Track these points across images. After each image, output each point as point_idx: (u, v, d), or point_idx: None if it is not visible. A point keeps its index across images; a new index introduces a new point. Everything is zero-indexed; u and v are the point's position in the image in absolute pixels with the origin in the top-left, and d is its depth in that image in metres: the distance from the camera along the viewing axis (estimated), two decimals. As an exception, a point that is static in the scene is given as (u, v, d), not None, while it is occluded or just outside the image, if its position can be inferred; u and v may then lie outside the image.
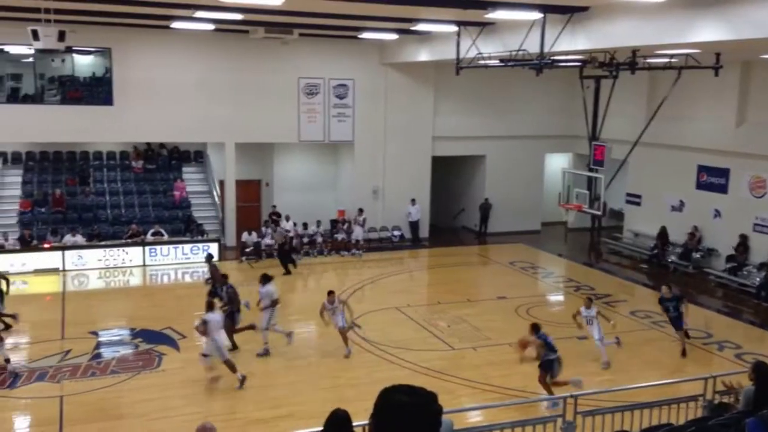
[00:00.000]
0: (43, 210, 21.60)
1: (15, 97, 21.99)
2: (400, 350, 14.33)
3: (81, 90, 23.26)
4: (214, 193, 23.90)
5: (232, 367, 12.49)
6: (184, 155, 24.98)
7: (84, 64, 24.17)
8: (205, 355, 12.78)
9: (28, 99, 22.26)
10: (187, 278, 20.36)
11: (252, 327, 14.57)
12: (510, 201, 26.33)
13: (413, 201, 24.84)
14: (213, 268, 16.69)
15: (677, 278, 20.45)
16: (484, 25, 17.15)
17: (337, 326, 14.03)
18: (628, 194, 24.60)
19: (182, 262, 21.01)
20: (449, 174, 27.04)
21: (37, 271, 19.49)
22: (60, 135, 21.63)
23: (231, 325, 14.08)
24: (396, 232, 24.76)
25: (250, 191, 24.84)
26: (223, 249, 21.91)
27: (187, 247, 21.29)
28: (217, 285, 15.43)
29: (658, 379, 10.93)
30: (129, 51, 21.60)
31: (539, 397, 11.51)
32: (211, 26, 19.97)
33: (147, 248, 20.90)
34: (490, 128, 25.72)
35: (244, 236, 22.34)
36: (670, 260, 21.86)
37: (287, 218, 22.71)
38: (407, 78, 24.59)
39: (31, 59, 22.43)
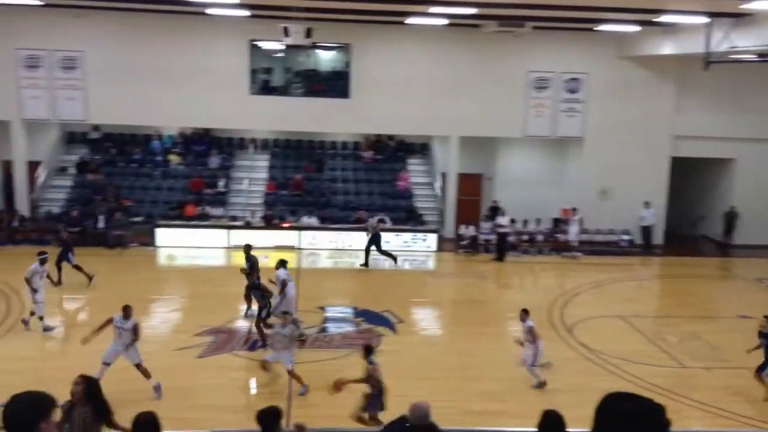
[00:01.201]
0: (284, 192, 23.62)
1: (266, 89, 24.20)
2: (623, 362, 13.49)
3: (322, 83, 24.97)
4: (436, 185, 24.41)
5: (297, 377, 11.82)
6: (410, 147, 25.82)
7: (325, 59, 25.91)
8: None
9: (276, 91, 24.39)
10: (407, 265, 21.02)
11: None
12: (763, 210, 23.56)
13: (647, 204, 23.23)
14: (254, 260, 15.33)
15: None
16: (738, 17, 15.50)
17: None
18: None
19: (402, 249, 21.72)
20: (689, 177, 24.87)
21: (277, 248, 21.35)
22: (302, 125, 23.46)
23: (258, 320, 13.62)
24: (625, 237, 23.32)
25: (471, 184, 24.98)
26: (441, 240, 22.30)
27: (408, 235, 21.99)
28: (256, 277, 14.66)
29: None
30: (367, 47, 22.74)
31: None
32: (444, 21, 20.37)
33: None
34: (742, 129, 23.23)
35: (462, 229, 22.55)
36: None
37: (503, 213, 22.45)
38: (646, 72, 23.03)
39: (280, 54, 24.56)
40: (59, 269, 16.93)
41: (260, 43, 23.04)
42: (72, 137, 24.85)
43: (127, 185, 23.22)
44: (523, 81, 23.15)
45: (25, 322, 14.01)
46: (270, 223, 21.98)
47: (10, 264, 18.99)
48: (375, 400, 9.90)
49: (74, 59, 21.89)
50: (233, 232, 21.43)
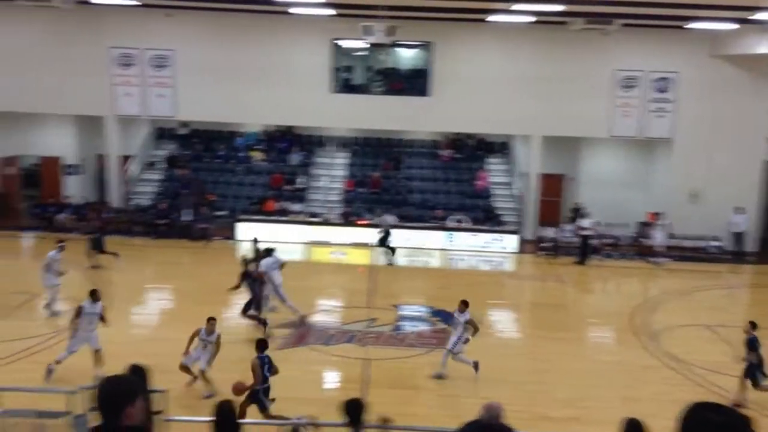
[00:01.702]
0: (362, 190, 23.77)
1: (346, 87, 24.41)
2: (708, 372, 12.86)
3: (402, 82, 24.98)
4: (516, 185, 24.00)
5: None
6: (490, 146, 25.49)
7: (406, 57, 25.89)
8: None
9: (356, 89, 24.56)
10: (484, 266, 20.76)
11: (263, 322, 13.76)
12: None
13: (739, 209, 22.11)
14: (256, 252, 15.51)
15: None
16: None
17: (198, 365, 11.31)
18: None
19: (480, 250, 21.47)
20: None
21: (354, 244, 21.48)
22: (381, 123, 23.54)
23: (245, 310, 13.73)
24: (714, 243, 22.25)
25: (552, 185, 24.43)
26: (520, 242, 21.90)
27: (486, 236, 21.71)
28: (251, 269, 14.46)
29: None
30: (448, 44, 22.59)
31: None
32: (530, 18, 19.99)
33: (448, 233, 21.78)
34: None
35: (543, 231, 22.07)
36: None
37: (585, 215, 21.82)
38: (742, 72, 21.90)
39: (361, 53, 24.73)
40: (97, 253, 18.15)
41: (342, 42, 23.26)
42: (162, 133, 25.81)
43: (211, 180, 23.91)
44: (609, 79, 22.45)
45: (48, 306, 14.60)
46: (347, 220, 22.17)
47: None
48: (257, 394, 9.65)
49: (165, 57, 22.72)
50: (311, 228, 21.75)
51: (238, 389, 9.53)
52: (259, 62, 22.51)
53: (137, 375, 6.55)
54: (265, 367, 9.79)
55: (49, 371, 11.04)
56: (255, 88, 22.50)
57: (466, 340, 12.18)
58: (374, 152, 25.39)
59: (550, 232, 21.99)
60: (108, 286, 16.79)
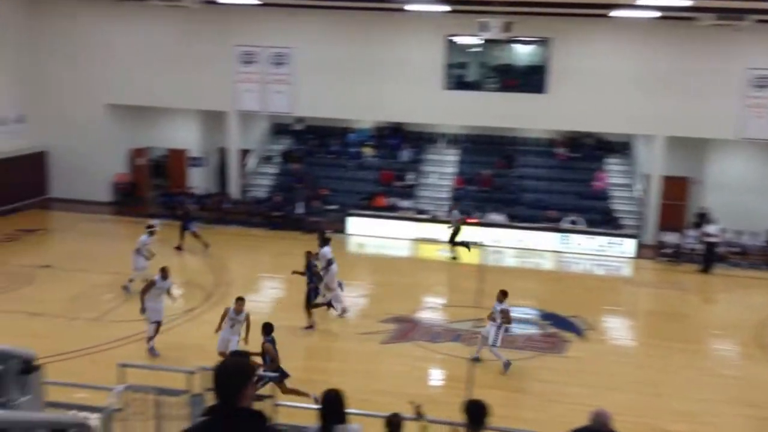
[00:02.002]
0: (472, 188, 23.49)
1: (460, 83, 24.17)
2: None
3: (517, 78, 24.46)
4: (637, 187, 22.93)
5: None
6: (609, 145, 24.48)
7: (522, 53, 25.32)
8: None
9: (470, 86, 24.28)
10: (600, 270, 19.98)
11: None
12: None
13: None
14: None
15: None
16: None
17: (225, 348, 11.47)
18: None
19: (596, 254, 20.66)
20: None
21: (462, 243, 21.20)
22: (494, 120, 23.13)
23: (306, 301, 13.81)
24: None
25: (676, 188, 23.13)
26: (640, 246, 20.89)
27: (603, 239, 20.86)
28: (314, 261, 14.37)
29: None
30: (567, 41, 21.87)
31: None
32: (655, 14, 19.03)
33: (561, 235, 21.11)
34: None
35: (664, 235, 20.94)
36: None
37: (711, 221, 20.48)
38: None
39: (475, 49, 24.41)
40: (182, 237, 19.21)
41: (456, 38, 23.07)
42: (278, 128, 26.62)
43: (324, 175, 24.41)
44: (740, 79, 20.94)
45: (126, 288, 15.21)
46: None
47: (221, 242, 20.79)
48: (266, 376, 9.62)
49: (284, 55, 23.40)
50: (420, 224, 21.72)
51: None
52: (374, 59, 22.72)
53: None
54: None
55: (151, 349, 12.09)
56: (368, 85, 22.73)
57: (506, 330, 12.42)
58: (486, 150, 25.01)
59: (671, 238, 20.83)
60: (225, 273, 17.52)
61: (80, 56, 23.77)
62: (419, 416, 6.92)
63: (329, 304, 14.41)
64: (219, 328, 11.64)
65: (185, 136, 25.86)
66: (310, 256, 14.22)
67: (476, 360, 12.27)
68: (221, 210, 23.02)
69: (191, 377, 7.61)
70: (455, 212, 20.43)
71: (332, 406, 5.52)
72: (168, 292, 12.74)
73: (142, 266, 15.38)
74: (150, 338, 12.20)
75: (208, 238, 19.45)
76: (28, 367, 2.32)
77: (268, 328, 10.44)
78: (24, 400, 2.28)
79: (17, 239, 19.92)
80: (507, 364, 12.19)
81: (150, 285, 12.44)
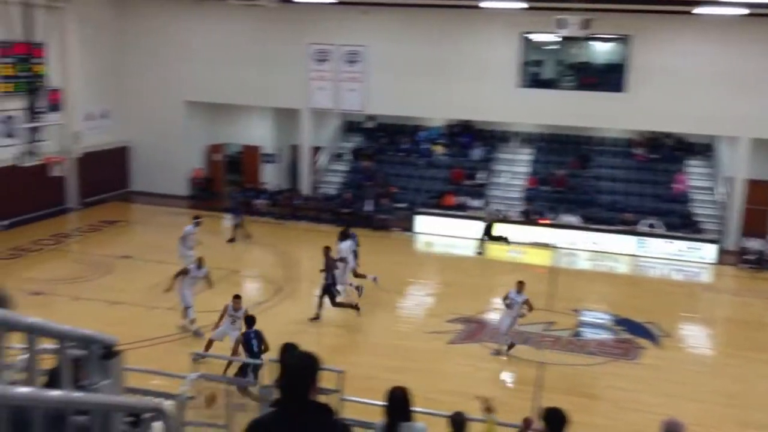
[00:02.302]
0: (545, 188, 23.05)
1: (535, 81, 23.74)
2: None
3: (595, 76, 23.85)
4: (719, 191, 21.99)
5: None
6: (690, 147, 23.56)
7: (601, 50, 24.66)
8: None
9: (545, 84, 23.81)
10: (677, 276, 19.27)
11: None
12: None
13: None
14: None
15: None
16: None
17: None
18: None
19: (674, 258, 19.93)
20: None
21: (534, 244, 20.88)
22: (570, 119, 22.60)
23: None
24: None
25: (761, 192, 22.02)
26: (720, 252, 20.02)
27: (682, 243, 20.09)
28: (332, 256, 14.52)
29: None
30: (648, 38, 21.16)
31: None
32: (742, 11, 18.20)
33: (638, 238, 20.45)
34: None
35: (748, 241, 20.00)
36: None
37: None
38: None
39: (552, 46, 23.92)
40: (235, 229, 19.92)
41: (532, 36, 22.66)
42: (350, 126, 26.82)
43: (394, 173, 24.43)
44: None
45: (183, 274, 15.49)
46: (528, 218, 21.60)
47: (291, 237, 21.17)
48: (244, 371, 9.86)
49: (357, 53, 23.55)
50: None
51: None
52: (447, 57, 22.57)
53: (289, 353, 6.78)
54: (252, 343, 10.10)
55: (195, 331, 12.86)
56: (441, 83, 22.61)
57: (522, 315, 12.76)
58: (560, 149, 24.49)
59: (755, 244, 19.86)
60: (294, 268, 17.78)
61: (162, 54, 24.59)
62: (488, 411, 6.82)
63: (355, 306, 14.25)
64: (218, 325, 11.88)
65: (259, 133, 26.39)
66: (328, 252, 14.38)
67: (498, 354, 12.72)
68: (292, 206, 23.38)
69: (260, 369, 7.74)
70: (490, 207, 20.27)
71: (398, 404, 5.49)
72: (206, 280, 13.36)
73: (187, 254, 15.86)
74: (192, 321, 12.91)
75: (278, 233, 19.82)
76: (109, 352, 2.38)
77: (249, 321, 10.64)
78: (104, 383, 2.34)
79: (100, 230, 20.80)
80: (499, 353, 12.71)
81: (184, 272, 13.16)
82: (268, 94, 24.11)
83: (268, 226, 22.01)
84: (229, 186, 26.11)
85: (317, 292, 14.11)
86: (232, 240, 20.00)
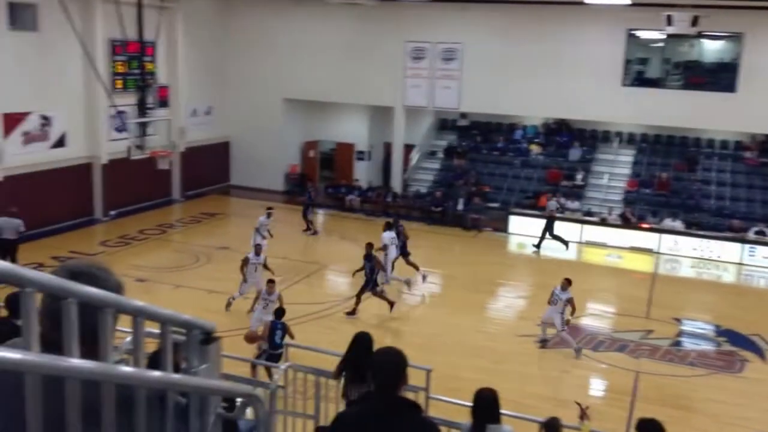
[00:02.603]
0: (647, 191, 22.15)
1: (639, 80, 22.86)
2: None
3: (704, 75, 22.71)
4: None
5: None
6: (809, 151, 22.05)
7: (711, 49, 23.47)
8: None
9: (650, 83, 22.88)
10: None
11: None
12: None
13: None
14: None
15: None
16: None
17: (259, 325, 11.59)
18: None
19: (785, 269, 18.72)
20: None
21: (633, 249, 20.12)
22: (676, 120, 21.62)
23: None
24: None
25: None
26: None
27: (795, 253, 18.83)
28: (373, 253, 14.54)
29: None
30: (761, 36, 19.97)
31: None
32: None
33: (747, 246, 19.32)
34: None
35: None
36: None
37: None
38: None
39: (659, 44, 22.95)
40: (305, 219, 20.59)
41: (638, 32, 21.83)
42: (443, 124, 26.71)
43: (487, 172, 24.14)
44: None
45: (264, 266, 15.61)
46: (628, 222, 20.83)
47: (379, 234, 21.26)
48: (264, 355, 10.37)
49: (454, 51, 23.41)
50: (587, 227, 20.82)
51: (249, 338, 10.96)
52: (546, 54, 22.07)
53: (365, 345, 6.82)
54: (277, 333, 10.37)
55: (228, 304, 13.61)
56: (539, 81, 22.14)
57: (567, 321, 12.66)
58: (665, 151, 23.46)
59: None
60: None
61: (263, 53, 25.30)
62: (582, 419, 6.61)
63: (390, 302, 14.16)
64: (253, 308, 12.52)
65: (353, 131, 26.71)
66: (370, 248, 14.47)
67: (544, 342, 12.84)
68: (383, 203, 23.53)
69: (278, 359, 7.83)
70: (551, 202, 19.68)
71: (486, 405, 5.40)
72: (264, 266, 14.04)
73: (260, 243, 16.35)
74: (231, 301, 13.66)
75: (368, 230, 20.01)
76: (208, 338, 2.46)
77: (278, 312, 10.79)
78: (202, 368, 2.42)
79: (200, 222, 21.67)
80: (578, 350, 12.49)
81: (246, 260, 13.85)
82: (363, 92, 24.37)
83: (359, 223, 22.28)
84: (323, 182, 26.61)
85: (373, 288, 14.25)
86: (315, 233, 20.53)
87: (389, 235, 15.91)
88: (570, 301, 12.48)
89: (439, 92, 23.86)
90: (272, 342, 10.38)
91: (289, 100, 25.51)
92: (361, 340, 6.91)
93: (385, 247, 15.53)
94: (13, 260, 13.98)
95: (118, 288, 2.02)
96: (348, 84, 24.31)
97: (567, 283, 12.63)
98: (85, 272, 1.98)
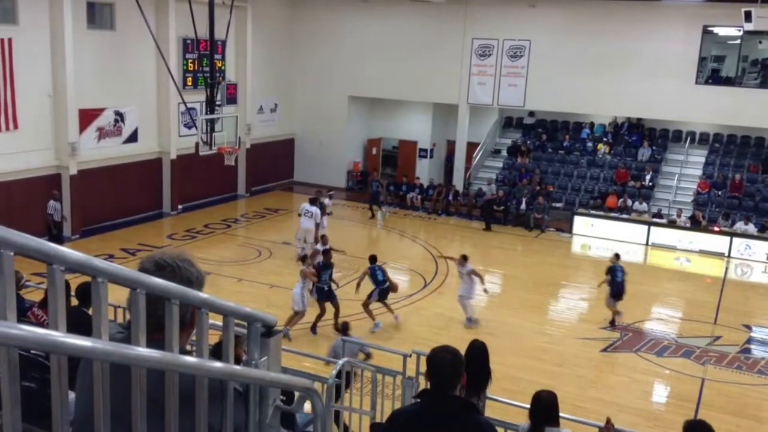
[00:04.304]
0: (719, 193, 21.38)
1: (714, 78, 22.07)
2: None
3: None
4: None
5: None
6: None
7: (791, 45, 22.46)
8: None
9: (726, 81, 22.06)
10: None
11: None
12: None
13: None
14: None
15: None
16: None
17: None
18: None
19: None
20: None
21: (702, 252, 19.47)
22: (752, 119, 20.80)
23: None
24: None
25: None
26: None
27: None
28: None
29: None
30: None
31: None
32: None
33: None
34: None
35: None
36: None
37: None
38: None
39: (736, 41, 22.10)
40: (371, 209, 21.97)
41: (715, 29, 21.07)
42: (508, 122, 26.41)
43: (551, 171, 23.76)
44: None
45: (302, 254, 15.70)
46: (698, 224, 20.15)
47: (441, 232, 21.24)
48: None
49: (521, 48, 23.12)
50: (654, 229, 20.23)
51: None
52: (616, 51, 21.56)
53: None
54: (377, 273, 12.73)
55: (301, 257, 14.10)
56: (608, 78, 21.66)
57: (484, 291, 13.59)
58: (739, 152, 22.59)
59: None
60: (443, 263, 17.82)
61: (328, 50, 25.57)
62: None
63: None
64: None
65: (416, 128, 26.71)
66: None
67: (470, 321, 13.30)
68: (444, 201, 23.45)
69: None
70: (635, 204, 19.46)
71: (545, 408, 5.35)
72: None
73: (322, 225, 17.24)
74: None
75: (429, 228, 20.05)
76: (269, 331, 2.53)
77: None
78: (263, 360, 2.49)
79: (264, 217, 22.09)
80: (470, 320, 13.24)
81: (311, 255, 14.51)
82: (427, 90, 24.35)
83: (420, 220, 22.30)
84: (385, 179, 26.71)
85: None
86: (372, 216, 21.80)
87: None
88: (472, 272, 13.29)
89: (505, 90, 23.61)
90: (376, 281, 12.70)
91: (353, 98, 25.70)
92: (475, 349, 6.64)
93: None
94: (60, 237, 16.92)
95: (198, 278, 2.12)
96: (413, 81, 24.32)
97: (463, 259, 13.48)
98: (169, 263, 2.10)
